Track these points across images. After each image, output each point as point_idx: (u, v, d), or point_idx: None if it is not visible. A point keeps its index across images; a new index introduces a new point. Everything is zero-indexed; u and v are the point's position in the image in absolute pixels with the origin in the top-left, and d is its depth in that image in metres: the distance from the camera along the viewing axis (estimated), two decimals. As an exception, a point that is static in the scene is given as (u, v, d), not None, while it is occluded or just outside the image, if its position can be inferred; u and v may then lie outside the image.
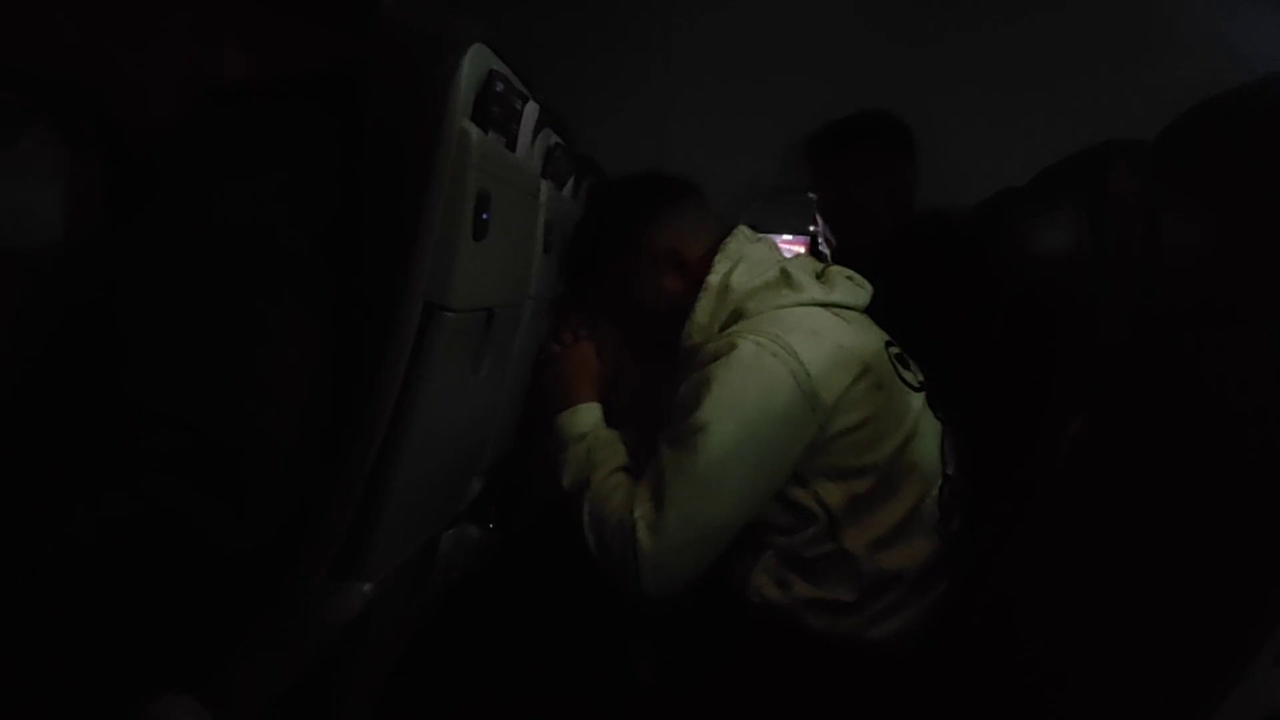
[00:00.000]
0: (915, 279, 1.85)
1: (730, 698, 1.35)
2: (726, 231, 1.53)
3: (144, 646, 0.92)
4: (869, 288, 1.56)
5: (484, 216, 1.11)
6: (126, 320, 0.88)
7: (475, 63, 1.07)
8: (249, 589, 0.98)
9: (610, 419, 1.58)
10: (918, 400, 1.45)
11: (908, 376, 1.45)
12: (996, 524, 1.47)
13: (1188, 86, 1.25)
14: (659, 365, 1.54)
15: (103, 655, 0.90)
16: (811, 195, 2.33)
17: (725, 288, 1.44)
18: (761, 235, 1.56)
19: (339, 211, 0.99)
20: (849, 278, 1.54)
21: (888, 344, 1.47)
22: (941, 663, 1.38)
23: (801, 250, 2.93)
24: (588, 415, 1.54)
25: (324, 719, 1.29)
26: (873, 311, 1.55)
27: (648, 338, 1.60)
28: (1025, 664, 1.31)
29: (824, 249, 2.35)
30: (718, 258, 1.47)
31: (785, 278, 1.45)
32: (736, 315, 1.43)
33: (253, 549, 0.92)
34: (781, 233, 3.06)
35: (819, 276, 1.51)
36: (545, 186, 1.53)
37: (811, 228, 2.44)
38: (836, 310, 1.45)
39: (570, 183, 1.81)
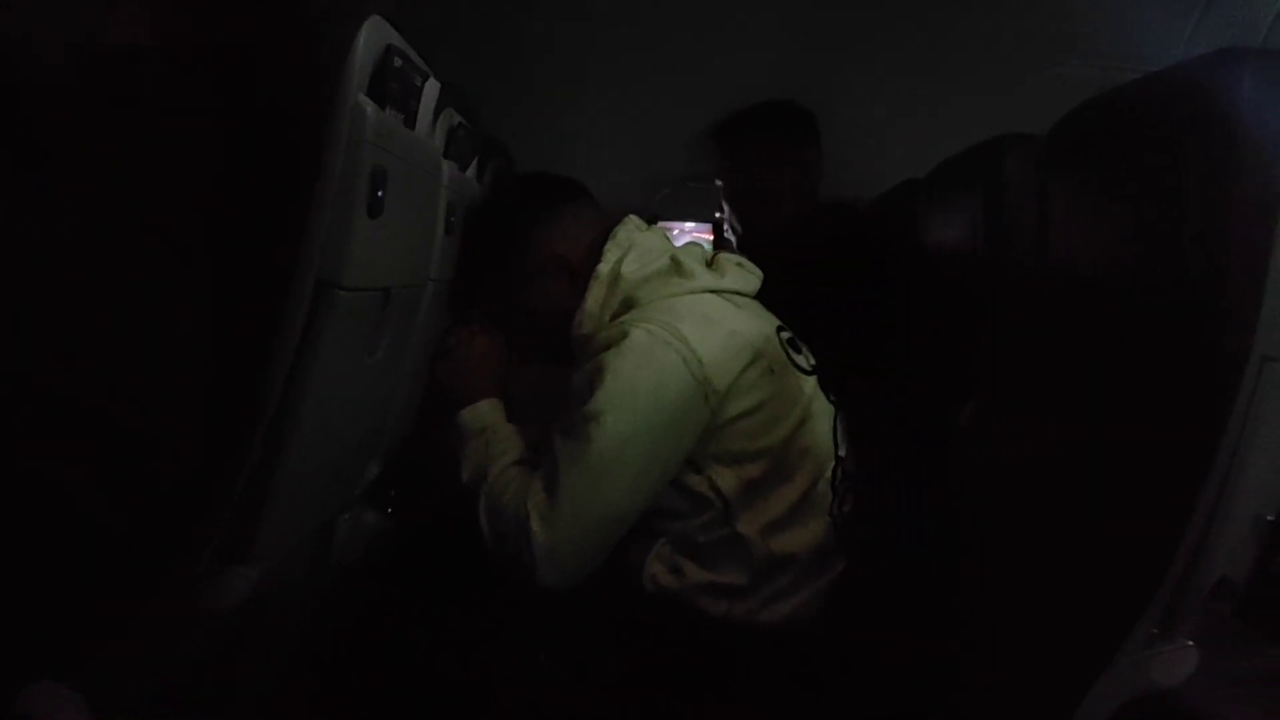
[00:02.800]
0: (818, 265, 1.87)
1: (627, 684, 1.36)
2: (615, 224, 1.52)
3: (18, 634, 0.88)
4: (759, 274, 1.57)
5: (379, 194, 1.09)
6: (6, 294, 0.84)
7: (372, 36, 1.05)
8: (129, 573, 0.95)
9: (511, 412, 1.57)
10: (810, 384, 1.46)
11: (800, 360, 1.47)
12: (890, 506, 1.50)
13: (1077, 84, 1.29)
14: (562, 364, 1.53)
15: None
16: (718, 183, 2.34)
17: (616, 276, 1.44)
18: (653, 225, 1.56)
19: (229, 185, 0.97)
20: (739, 264, 1.55)
21: (779, 329, 1.48)
22: (835, 643, 1.40)
23: (707, 238, 2.94)
24: (488, 410, 1.53)
25: (211, 709, 1.26)
26: (771, 297, 1.56)
27: (537, 342, 1.59)
28: (915, 645, 1.34)
29: (729, 236, 2.37)
30: (608, 246, 1.47)
31: (676, 266, 1.45)
32: (628, 304, 1.43)
33: (132, 530, 0.89)
34: (687, 220, 3.07)
35: (709, 264, 1.51)
36: (448, 167, 1.51)
37: (717, 214, 2.45)
38: (728, 296, 1.46)
39: (474, 165, 1.79)
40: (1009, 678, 1.19)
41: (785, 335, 1.48)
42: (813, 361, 1.51)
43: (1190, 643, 1.09)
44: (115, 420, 0.88)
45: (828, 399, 1.49)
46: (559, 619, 1.39)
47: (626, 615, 1.40)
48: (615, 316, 1.43)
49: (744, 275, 1.53)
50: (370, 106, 1.05)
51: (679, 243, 1.57)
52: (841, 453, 1.47)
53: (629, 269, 1.43)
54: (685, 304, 1.39)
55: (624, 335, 1.31)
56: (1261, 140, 0.96)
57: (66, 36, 0.94)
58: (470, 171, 1.76)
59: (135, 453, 0.89)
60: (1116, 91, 1.17)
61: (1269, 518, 1.09)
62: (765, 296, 1.56)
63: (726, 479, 1.36)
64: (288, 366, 1.03)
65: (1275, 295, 0.96)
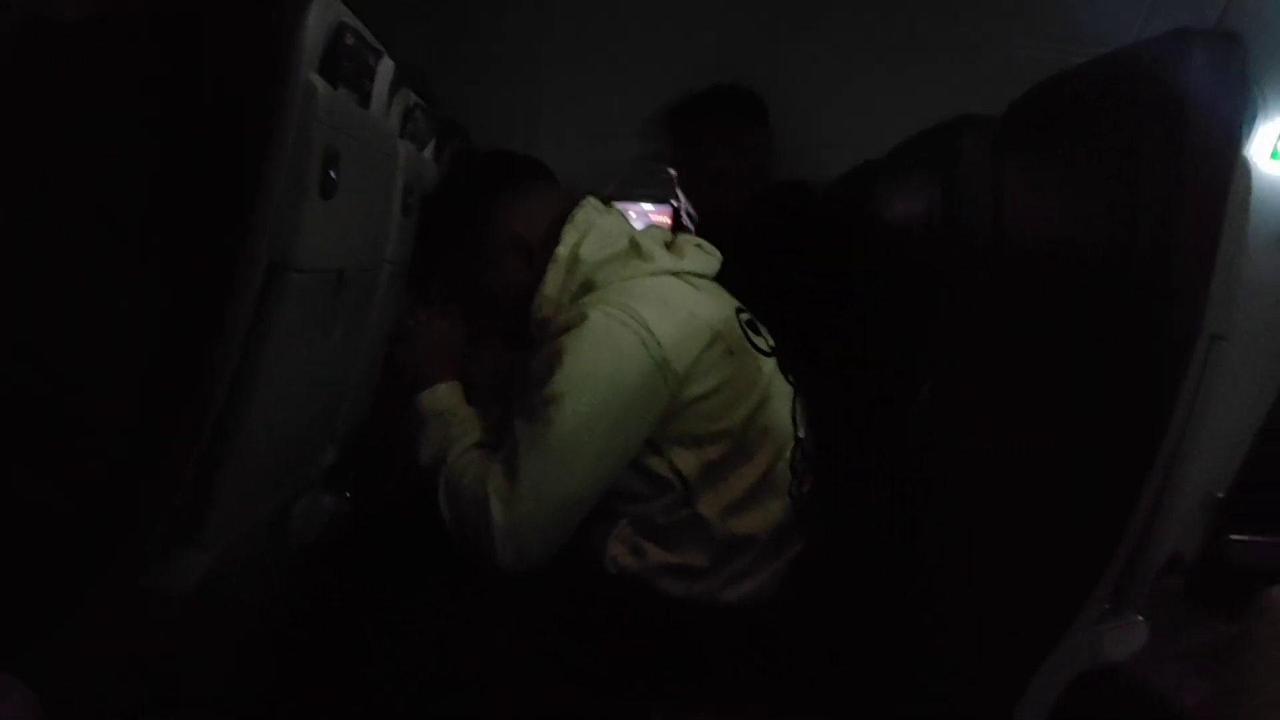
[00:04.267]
0: (771, 246, 1.88)
1: (588, 665, 1.36)
2: (574, 205, 1.51)
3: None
4: (718, 255, 1.57)
5: (332, 174, 1.08)
6: None
7: (323, 13, 1.04)
8: (75, 557, 0.94)
9: (469, 395, 1.55)
10: (769, 365, 1.47)
11: (759, 342, 1.47)
12: (848, 486, 1.51)
13: (1033, 65, 1.30)
14: (521, 344, 1.52)
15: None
16: (672, 171, 2.35)
17: (575, 259, 1.43)
18: (612, 207, 1.54)
19: (177, 165, 0.95)
20: (698, 245, 1.55)
21: (738, 310, 1.48)
22: (795, 622, 1.41)
23: (665, 220, 2.94)
24: (446, 393, 1.51)
25: (164, 694, 1.24)
26: (726, 278, 1.56)
27: (495, 323, 1.58)
28: (873, 622, 1.35)
29: (688, 224, 2.37)
30: (566, 228, 1.45)
31: (635, 248, 1.44)
32: (587, 286, 1.42)
33: (77, 514, 0.88)
34: (645, 202, 3.05)
35: (668, 245, 1.51)
36: (404, 147, 1.49)
37: (674, 203, 2.46)
38: (687, 278, 1.46)
39: (432, 145, 1.77)
40: (963, 652, 1.20)
41: (744, 317, 1.48)
42: (772, 343, 1.51)
43: (1140, 618, 1.11)
44: (59, 404, 0.86)
45: (787, 380, 1.49)
46: (519, 601, 1.39)
47: (588, 596, 1.40)
48: (574, 299, 1.42)
49: (703, 257, 1.53)
50: (322, 85, 1.04)
51: (636, 225, 1.56)
52: (801, 434, 1.47)
53: (587, 251, 1.42)
54: (644, 286, 1.39)
55: (583, 318, 1.31)
56: (1212, 120, 0.97)
57: (8, 10, 0.92)
58: (428, 152, 1.75)
59: (80, 437, 0.88)
60: (1071, 72, 1.18)
61: (1219, 495, 1.11)
62: (724, 278, 1.56)
63: (686, 461, 1.36)
64: (239, 348, 1.01)
65: (1224, 274, 0.98)
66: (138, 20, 0.98)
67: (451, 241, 1.56)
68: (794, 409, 1.48)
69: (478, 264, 1.51)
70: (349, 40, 1.10)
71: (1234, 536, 1.14)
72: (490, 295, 1.53)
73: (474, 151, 2.15)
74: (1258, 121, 1.01)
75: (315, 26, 1.02)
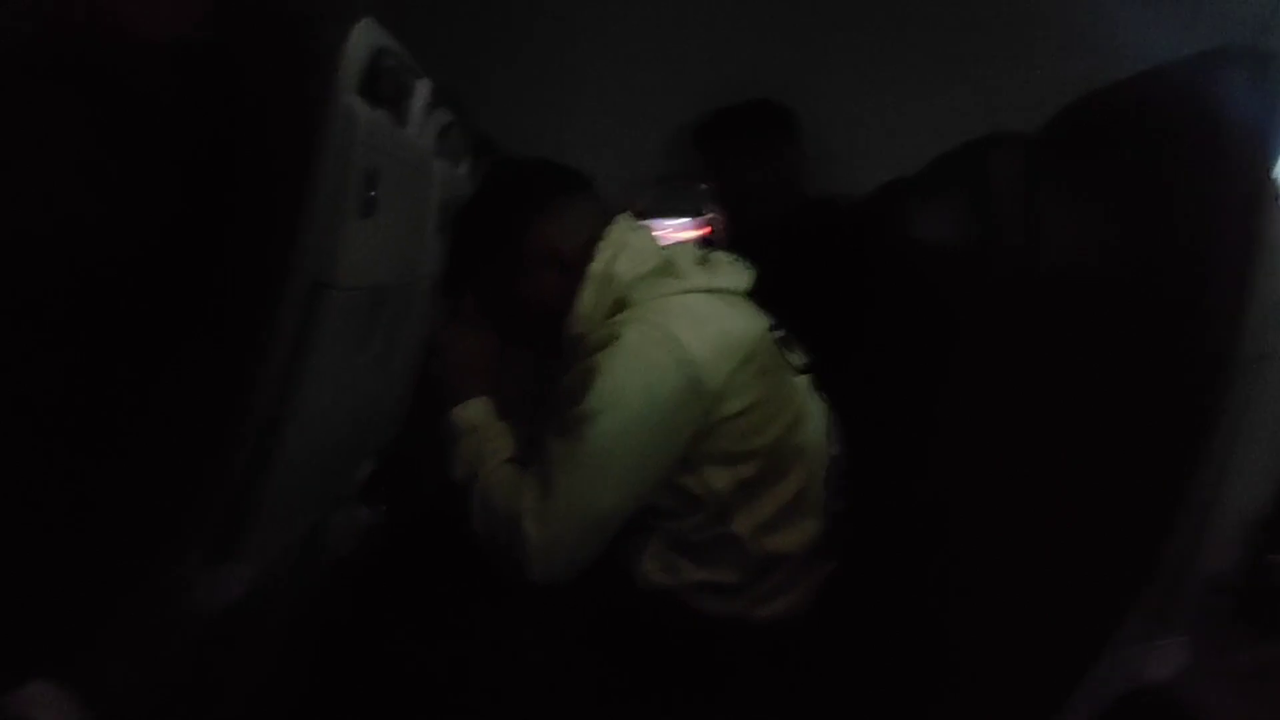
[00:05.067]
0: (804, 261, 1.87)
1: (620, 680, 1.36)
2: (609, 221, 1.51)
3: (7, 634, 0.88)
4: (751, 272, 1.56)
5: (372, 194, 1.09)
6: None
7: (363, 37, 1.05)
8: (119, 572, 0.95)
9: (503, 410, 1.56)
10: (802, 383, 1.46)
11: (792, 359, 1.46)
12: (881, 503, 1.50)
13: (1067, 82, 1.30)
14: (550, 356, 1.52)
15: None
16: (703, 185, 2.35)
17: (608, 276, 1.42)
18: (644, 223, 1.54)
19: (222, 186, 0.96)
20: (731, 263, 1.53)
21: (771, 328, 1.47)
22: (828, 640, 1.40)
23: (694, 235, 2.94)
24: (478, 408, 1.51)
25: (202, 706, 1.26)
26: (758, 294, 1.55)
27: (526, 336, 1.58)
28: (907, 640, 1.35)
29: (720, 239, 2.37)
30: (600, 245, 1.45)
31: (668, 265, 1.44)
32: (621, 304, 1.41)
33: (123, 529, 0.89)
34: (672, 218, 3.05)
35: (701, 262, 1.50)
36: (440, 165, 1.51)
37: (706, 218, 2.46)
38: (721, 295, 1.45)
39: (467, 162, 1.79)
40: (1001, 672, 1.19)
41: (778, 334, 1.48)
42: (805, 360, 1.51)
43: (1183, 638, 1.10)
44: (101, 421, 0.88)
45: (820, 397, 1.49)
46: (552, 615, 1.39)
47: (620, 612, 1.40)
48: (608, 316, 1.42)
49: (736, 274, 1.52)
50: (362, 108, 1.05)
51: (663, 240, 1.56)
52: (835, 451, 1.47)
53: (621, 269, 1.42)
54: (677, 304, 1.38)
55: (617, 336, 1.31)
56: (1250, 139, 0.96)
57: (63, 35, 0.94)
58: (463, 168, 1.76)
59: (122, 452, 0.89)
60: (1107, 89, 1.18)
61: (1263, 513, 1.10)
62: (756, 295, 1.55)
63: (720, 479, 1.36)
64: (281, 366, 1.03)
65: (1265, 293, 0.97)
66: (182, 47, 1.00)
67: (486, 252, 1.56)
68: (828, 426, 1.47)
69: (512, 270, 1.51)
70: (388, 63, 1.12)
71: (1274, 557, 1.13)
72: (522, 308, 1.53)
73: (513, 160, 2.15)
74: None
75: (355, 50, 1.04)
